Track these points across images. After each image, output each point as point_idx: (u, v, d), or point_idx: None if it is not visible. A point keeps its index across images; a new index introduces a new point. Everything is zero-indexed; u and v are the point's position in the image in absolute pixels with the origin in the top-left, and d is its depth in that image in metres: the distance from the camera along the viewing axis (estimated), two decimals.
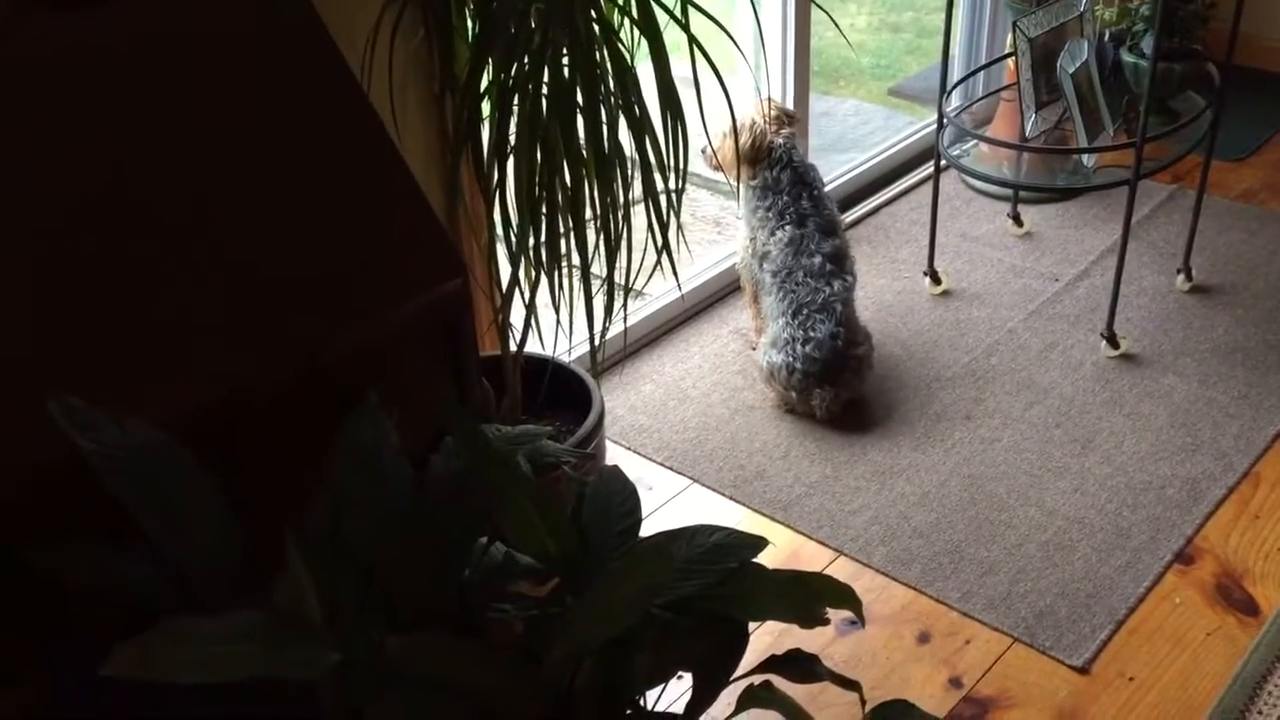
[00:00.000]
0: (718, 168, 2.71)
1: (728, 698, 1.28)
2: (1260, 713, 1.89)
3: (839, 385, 2.58)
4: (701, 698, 1.17)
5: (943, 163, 2.94)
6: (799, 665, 1.19)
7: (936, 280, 3.06)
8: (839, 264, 2.65)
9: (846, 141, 3.82)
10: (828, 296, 2.58)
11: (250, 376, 1.21)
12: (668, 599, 1.09)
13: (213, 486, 1.11)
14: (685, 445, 2.58)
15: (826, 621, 1.24)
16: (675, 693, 1.71)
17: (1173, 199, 3.35)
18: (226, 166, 1.34)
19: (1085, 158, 2.80)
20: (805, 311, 2.57)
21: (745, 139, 2.63)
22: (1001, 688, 1.99)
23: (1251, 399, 2.61)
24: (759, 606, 1.14)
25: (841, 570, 2.25)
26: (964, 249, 3.21)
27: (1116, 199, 3.19)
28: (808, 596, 1.17)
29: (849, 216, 3.34)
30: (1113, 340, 2.77)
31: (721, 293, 3.07)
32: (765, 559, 2.31)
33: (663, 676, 1.18)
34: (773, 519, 2.38)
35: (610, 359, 2.82)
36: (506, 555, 1.26)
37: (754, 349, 2.79)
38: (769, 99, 2.74)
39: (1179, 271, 3.00)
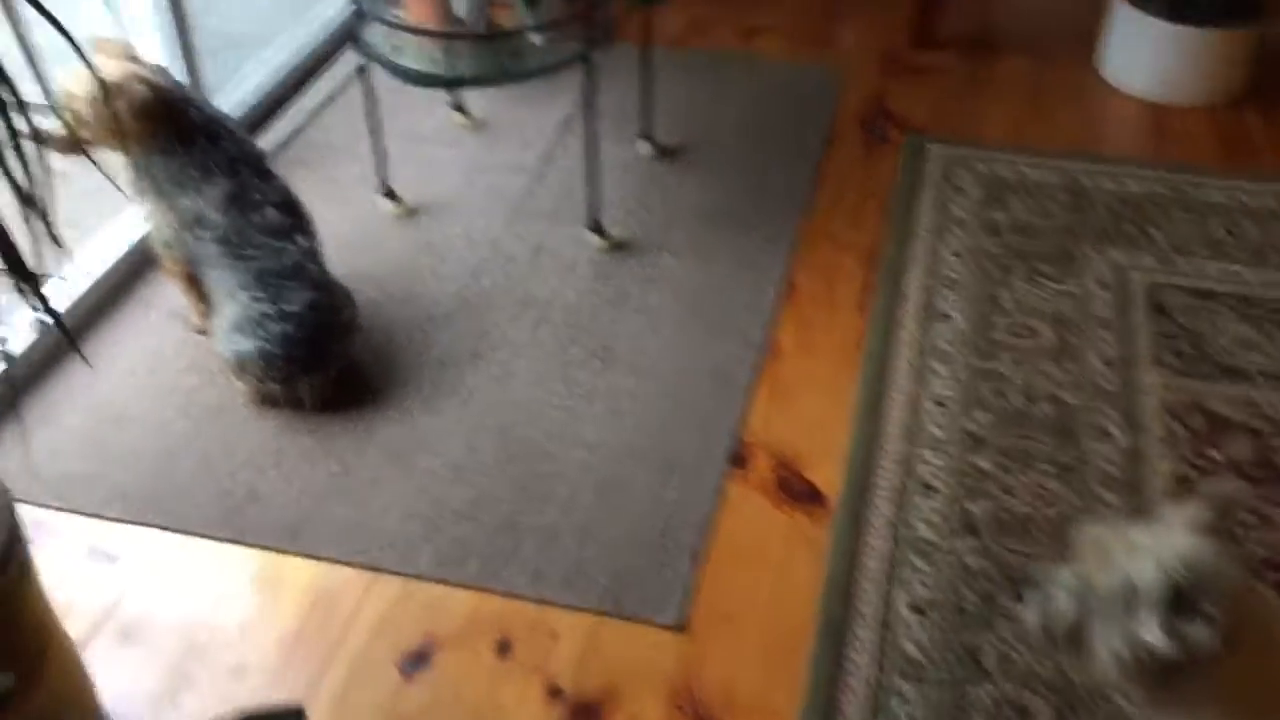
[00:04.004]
0: (77, 149, 2.03)
1: None
2: (862, 615, 1.78)
3: (328, 365, 2.11)
4: None
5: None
6: None
7: (394, 198, 2.64)
8: (293, 211, 2.14)
9: (233, 39, 3.20)
10: (295, 256, 2.08)
11: None
12: None
13: None
14: (145, 484, 2.00)
15: None
16: None
17: (612, 58, 3.15)
18: None
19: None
20: (272, 280, 2.05)
21: (129, 99, 1.99)
22: (605, 680, 1.72)
23: (746, 261, 2.50)
24: None
25: (387, 591, 1.84)
26: (414, 154, 2.80)
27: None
28: None
29: (266, 141, 2.80)
30: (600, 230, 2.54)
31: (139, 266, 2.43)
32: (287, 607, 1.85)
33: None
34: (284, 551, 1.90)
35: None
36: None
37: (203, 334, 2.23)
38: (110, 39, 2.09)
39: (640, 138, 2.82)
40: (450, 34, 2.33)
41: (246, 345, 2.06)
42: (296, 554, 1.90)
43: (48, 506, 1.96)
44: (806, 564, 1.88)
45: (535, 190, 2.71)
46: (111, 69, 2.01)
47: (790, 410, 2.16)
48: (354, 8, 2.41)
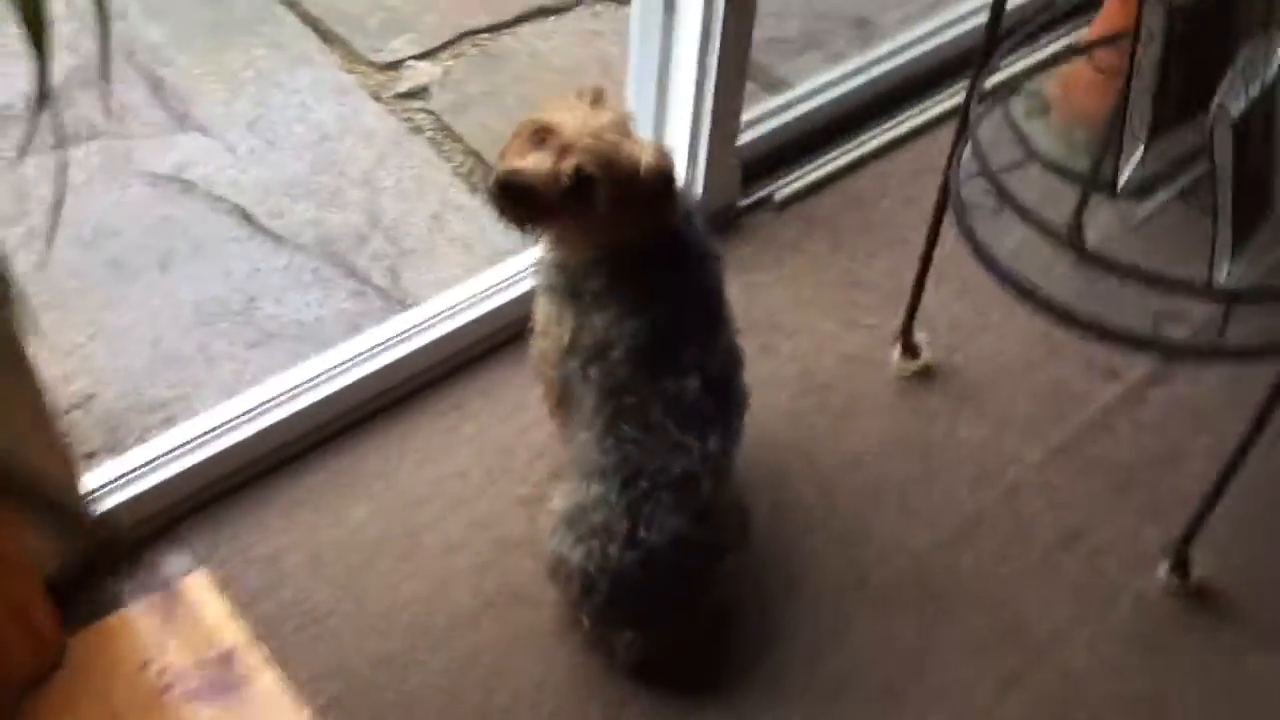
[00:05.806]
0: (514, 216, 1.34)
1: None
2: None
3: (664, 626, 1.42)
4: None
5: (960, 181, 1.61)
6: None
7: (912, 351, 1.80)
8: (725, 391, 1.41)
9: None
10: (694, 462, 1.36)
11: None
12: None
13: None
14: (376, 672, 1.44)
15: None
16: None
17: None
18: None
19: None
20: (644, 481, 1.35)
21: (639, 180, 1.28)
22: None
23: None
24: None
25: None
26: (973, 280, 1.89)
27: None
28: None
29: (798, 177, 2.03)
30: (1183, 567, 1.56)
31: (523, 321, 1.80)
32: None
33: None
34: None
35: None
36: None
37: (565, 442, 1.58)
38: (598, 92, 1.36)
39: None
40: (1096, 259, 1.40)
41: (574, 555, 1.38)
42: None
43: (255, 637, 1.46)
44: None
45: (1119, 414, 1.74)
46: (609, 130, 1.30)
47: None
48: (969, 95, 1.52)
